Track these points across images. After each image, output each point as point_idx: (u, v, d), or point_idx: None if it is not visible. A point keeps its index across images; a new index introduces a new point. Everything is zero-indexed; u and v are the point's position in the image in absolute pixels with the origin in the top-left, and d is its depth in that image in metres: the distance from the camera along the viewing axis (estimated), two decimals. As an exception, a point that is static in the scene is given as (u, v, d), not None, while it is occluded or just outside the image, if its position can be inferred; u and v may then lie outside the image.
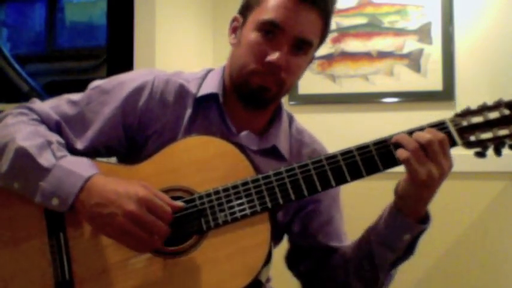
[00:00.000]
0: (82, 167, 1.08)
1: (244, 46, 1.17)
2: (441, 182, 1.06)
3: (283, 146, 1.27)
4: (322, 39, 1.23)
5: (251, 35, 1.16)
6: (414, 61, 2.44)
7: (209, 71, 1.29)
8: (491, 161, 2.31)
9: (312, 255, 1.29)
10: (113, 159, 1.30)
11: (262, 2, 1.16)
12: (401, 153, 1.04)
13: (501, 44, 2.35)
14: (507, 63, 2.32)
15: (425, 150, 1.03)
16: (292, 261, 1.34)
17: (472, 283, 2.32)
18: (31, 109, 1.19)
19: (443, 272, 2.36)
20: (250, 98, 1.19)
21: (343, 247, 1.26)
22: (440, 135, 1.04)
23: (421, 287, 2.36)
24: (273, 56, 1.13)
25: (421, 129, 1.07)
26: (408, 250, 1.15)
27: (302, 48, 1.17)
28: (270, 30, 1.14)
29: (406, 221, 1.10)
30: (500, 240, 2.31)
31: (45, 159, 1.07)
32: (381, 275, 1.17)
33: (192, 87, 1.24)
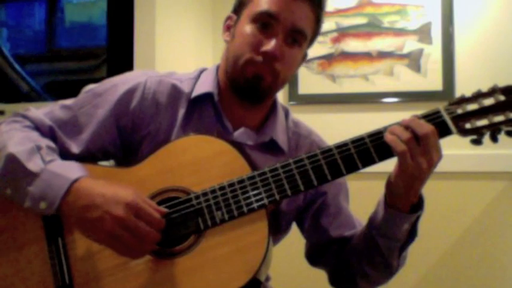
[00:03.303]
0: (70, 170, 1.08)
1: (239, 38, 1.18)
2: (431, 173, 1.06)
3: (281, 139, 1.27)
4: (314, 35, 1.24)
5: (246, 27, 1.17)
6: (414, 61, 2.43)
7: (202, 71, 1.29)
8: (491, 161, 2.32)
9: (329, 250, 1.30)
10: (112, 163, 1.30)
11: None
12: (396, 144, 1.03)
13: (501, 44, 2.34)
14: (507, 63, 2.32)
15: (419, 143, 1.03)
16: (313, 259, 1.35)
17: (472, 283, 2.32)
18: (25, 116, 1.19)
19: (443, 271, 2.35)
20: (246, 89, 1.19)
21: (355, 235, 1.26)
22: (430, 127, 1.04)
23: (421, 287, 2.36)
24: (268, 46, 1.14)
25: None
26: (411, 234, 1.15)
27: (297, 39, 1.18)
28: (265, 21, 1.15)
29: (399, 214, 1.11)
30: (500, 240, 2.31)
31: (34, 164, 1.07)
32: (393, 261, 1.17)
33: (185, 87, 1.24)
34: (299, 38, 1.18)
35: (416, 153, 1.03)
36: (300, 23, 1.17)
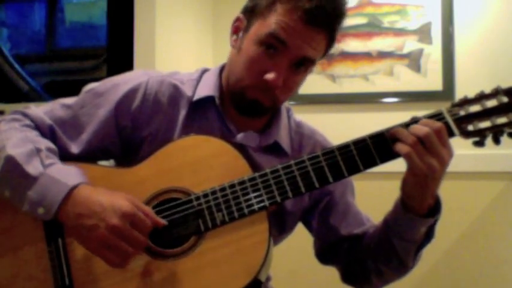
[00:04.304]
0: (69, 175, 1.07)
1: (244, 58, 1.15)
2: (444, 172, 1.05)
3: (285, 141, 1.26)
4: (325, 54, 1.20)
5: (252, 47, 1.13)
6: (414, 61, 2.43)
7: (204, 72, 1.28)
8: (491, 161, 2.32)
9: (340, 249, 1.29)
10: (112, 162, 1.30)
11: (269, 15, 1.12)
12: (401, 148, 1.03)
13: (501, 44, 2.35)
14: (507, 63, 2.32)
15: (423, 143, 1.02)
16: (324, 258, 1.34)
17: (472, 283, 2.32)
18: (25, 114, 1.18)
19: (443, 271, 2.36)
20: (245, 109, 1.18)
21: (367, 233, 1.26)
22: (437, 124, 1.03)
23: (421, 287, 2.36)
24: (271, 76, 1.11)
25: (417, 120, 1.06)
26: (428, 235, 1.14)
27: (303, 64, 1.15)
28: (272, 45, 1.11)
29: (417, 219, 1.10)
30: (500, 240, 2.31)
31: (33, 167, 1.06)
32: (409, 261, 1.17)
33: (187, 89, 1.23)
34: (307, 64, 1.15)
35: (423, 154, 1.02)
36: (310, 51, 1.12)
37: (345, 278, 1.32)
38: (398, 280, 1.24)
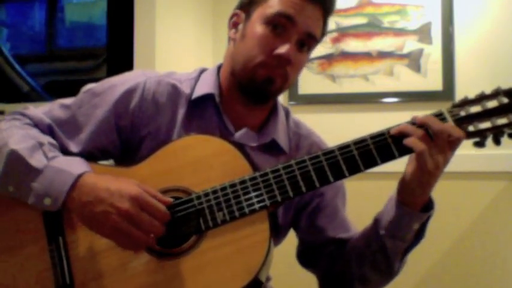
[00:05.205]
0: (73, 165, 1.08)
1: (251, 40, 1.17)
2: (445, 168, 1.06)
3: (282, 140, 1.27)
4: (321, 38, 1.24)
5: (259, 28, 1.16)
6: (414, 61, 2.43)
7: (202, 71, 1.29)
8: (491, 161, 2.32)
9: (323, 251, 1.29)
10: (111, 162, 1.30)
11: None
12: (416, 142, 1.03)
13: (501, 44, 2.35)
14: (507, 63, 2.32)
15: (435, 138, 1.03)
16: (306, 260, 1.34)
17: (472, 283, 2.32)
18: (24, 114, 1.19)
19: (443, 272, 2.36)
20: (255, 91, 1.18)
21: (352, 238, 1.26)
22: (460, 133, 1.04)
23: (421, 287, 2.36)
24: (282, 49, 1.13)
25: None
26: (419, 235, 1.15)
27: (307, 44, 1.18)
28: (279, 23, 1.14)
29: (413, 213, 1.10)
30: (500, 240, 2.31)
31: (37, 160, 1.07)
32: (396, 263, 1.17)
33: (185, 88, 1.24)
34: (310, 42, 1.18)
35: (433, 150, 1.03)
36: (313, 27, 1.17)
37: (324, 287, 1.31)
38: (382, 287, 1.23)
